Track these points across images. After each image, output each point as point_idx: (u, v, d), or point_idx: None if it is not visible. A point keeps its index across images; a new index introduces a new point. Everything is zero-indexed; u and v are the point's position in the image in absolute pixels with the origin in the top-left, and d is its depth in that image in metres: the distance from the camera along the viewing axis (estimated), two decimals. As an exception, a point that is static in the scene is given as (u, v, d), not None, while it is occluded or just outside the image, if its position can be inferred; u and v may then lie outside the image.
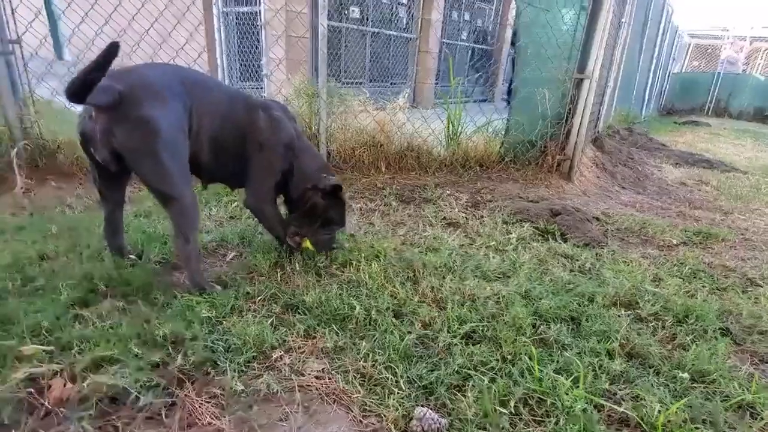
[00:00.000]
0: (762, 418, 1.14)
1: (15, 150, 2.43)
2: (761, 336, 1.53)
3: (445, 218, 2.43)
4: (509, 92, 8.67)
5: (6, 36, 2.45)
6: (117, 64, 1.24)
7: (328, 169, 1.83)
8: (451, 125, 3.14)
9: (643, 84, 8.99)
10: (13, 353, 1.13)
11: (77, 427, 0.95)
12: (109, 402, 1.05)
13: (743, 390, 1.22)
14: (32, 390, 1.03)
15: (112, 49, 1.17)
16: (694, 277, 1.97)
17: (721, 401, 1.19)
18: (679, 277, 1.93)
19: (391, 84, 7.90)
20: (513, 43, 7.82)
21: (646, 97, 10.05)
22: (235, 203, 2.39)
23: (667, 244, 2.35)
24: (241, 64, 6.27)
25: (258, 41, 5.68)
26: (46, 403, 1.00)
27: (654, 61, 9.55)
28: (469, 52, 9.89)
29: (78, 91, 1.17)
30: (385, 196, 2.72)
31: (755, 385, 1.23)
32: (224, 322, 1.35)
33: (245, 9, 5.85)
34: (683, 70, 16.29)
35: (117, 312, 1.36)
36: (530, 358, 1.24)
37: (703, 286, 1.87)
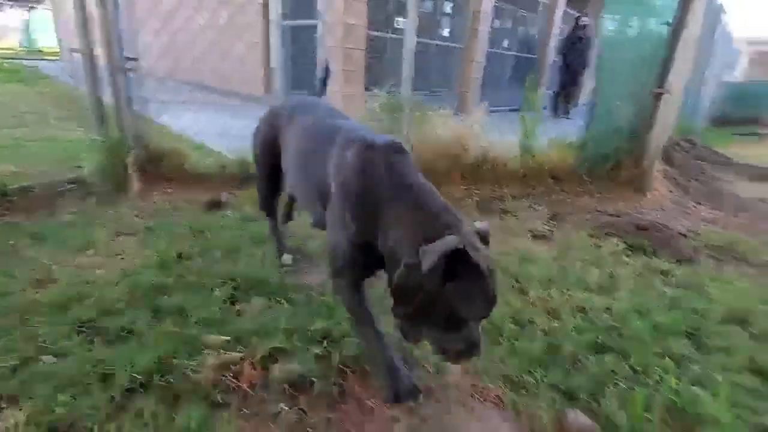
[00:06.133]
0: None
1: (131, 157, 2.68)
2: None
3: (530, 230, 2.49)
4: (553, 100, 8.61)
5: (125, 54, 2.71)
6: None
7: (446, 217, 1.04)
8: (525, 137, 3.20)
9: (697, 93, 8.69)
10: (199, 342, 1.29)
11: (276, 408, 1.08)
12: (289, 387, 1.18)
13: None
14: (228, 374, 1.17)
15: None
16: (798, 296, 1.95)
17: None
18: (783, 296, 1.92)
19: (431, 92, 7.98)
20: (564, 54, 7.77)
21: (701, 107, 9.70)
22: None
23: (763, 263, 2.32)
24: (294, 73, 6.48)
25: (311, 52, 5.86)
26: (244, 387, 1.14)
27: (709, 69, 9.22)
28: (511, 59, 9.86)
29: None
30: (465, 206, 2.81)
31: None
32: (364, 322, 1.47)
33: (301, 22, 6.07)
34: (739, 79, 15.59)
35: (268, 309, 1.51)
36: (664, 371, 1.30)
37: (808, 305, 1.85)
